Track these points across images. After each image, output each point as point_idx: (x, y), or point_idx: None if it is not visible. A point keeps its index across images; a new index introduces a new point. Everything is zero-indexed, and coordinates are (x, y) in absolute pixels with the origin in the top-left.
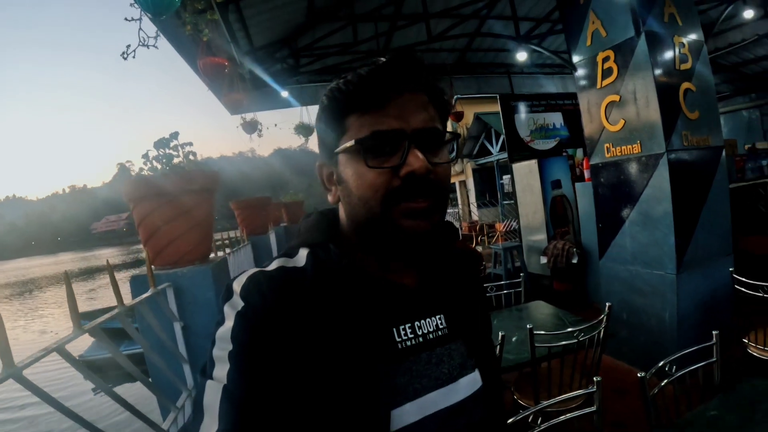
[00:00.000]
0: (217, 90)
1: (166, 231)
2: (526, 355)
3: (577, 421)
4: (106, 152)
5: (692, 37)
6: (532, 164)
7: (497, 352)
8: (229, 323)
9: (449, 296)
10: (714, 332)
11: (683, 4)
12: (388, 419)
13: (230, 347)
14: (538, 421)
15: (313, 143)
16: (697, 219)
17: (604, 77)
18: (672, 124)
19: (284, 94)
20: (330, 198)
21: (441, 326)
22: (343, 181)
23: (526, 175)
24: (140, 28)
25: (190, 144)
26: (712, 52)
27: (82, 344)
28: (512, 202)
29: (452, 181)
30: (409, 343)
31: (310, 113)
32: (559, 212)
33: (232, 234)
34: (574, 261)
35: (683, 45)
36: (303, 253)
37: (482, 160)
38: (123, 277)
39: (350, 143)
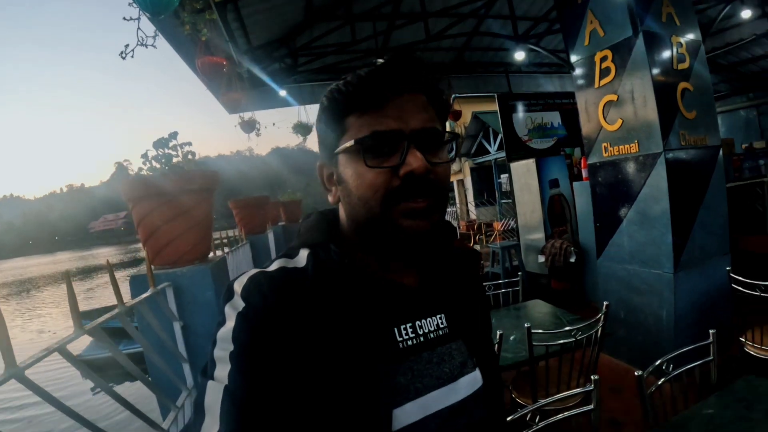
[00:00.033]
0: (216, 89)
1: (166, 231)
2: (524, 353)
3: (574, 419)
4: (103, 151)
5: (690, 36)
6: (530, 163)
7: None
8: (230, 324)
9: (450, 296)
10: (711, 331)
11: (681, 3)
12: (389, 419)
13: (231, 348)
14: (536, 420)
15: (311, 142)
16: (695, 218)
17: (601, 77)
18: (669, 123)
19: (282, 93)
20: (330, 198)
21: (442, 326)
22: (343, 181)
23: (524, 174)
24: (138, 28)
25: (189, 144)
26: (709, 52)
27: (80, 344)
28: (510, 201)
29: (450, 180)
30: (410, 342)
31: (308, 112)
32: (556, 211)
33: (230, 233)
34: (572, 260)
35: (681, 45)
36: (303, 254)
37: (480, 159)
38: (121, 277)
39: (350, 143)
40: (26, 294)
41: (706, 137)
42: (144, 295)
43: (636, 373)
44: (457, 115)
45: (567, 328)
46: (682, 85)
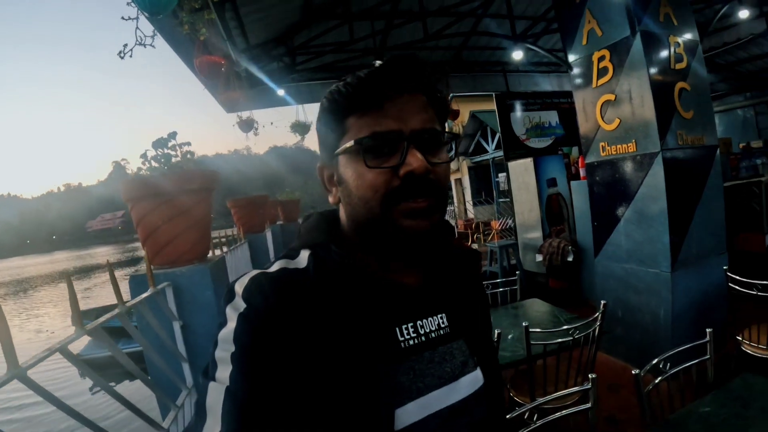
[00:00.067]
0: (214, 88)
1: (165, 230)
2: (522, 352)
3: (572, 417)
4: (101, 150)
5: (687, 36)
6: (528, 162)
7: None
8: (231, 325)
9: (450, 295)
10: (708, 330)
11: (679, 3)
12: (392, 418)
13: (233, 349)
14: (534, 418)
15: (309, 141)
16: (692, 217)
17: (599, 76)
18: (667, 123)
19: (280, 92)
20: (330, 199)
21: (443, 325)
22: (343, 182)
23: (521, 173)
24: (137, 27)
25: (188, 144)
26: (707, 51)
27: (78, 343)
28: (508, 199)
29: None
30: (411, 342)
31: (306, 111)
32: (554, 210)
33: (228, 232)
34: (570, 259)
35: (678, 44)
36: (304, 255)
37: (478, 158)
38: (119, 276)
39: (350, 144)
40: (23, 294)
41: (703, 137)
42: (144, 295)
43: (633, 372)
44: (455, 114)
45: (565, 327)
46: (680, 84)
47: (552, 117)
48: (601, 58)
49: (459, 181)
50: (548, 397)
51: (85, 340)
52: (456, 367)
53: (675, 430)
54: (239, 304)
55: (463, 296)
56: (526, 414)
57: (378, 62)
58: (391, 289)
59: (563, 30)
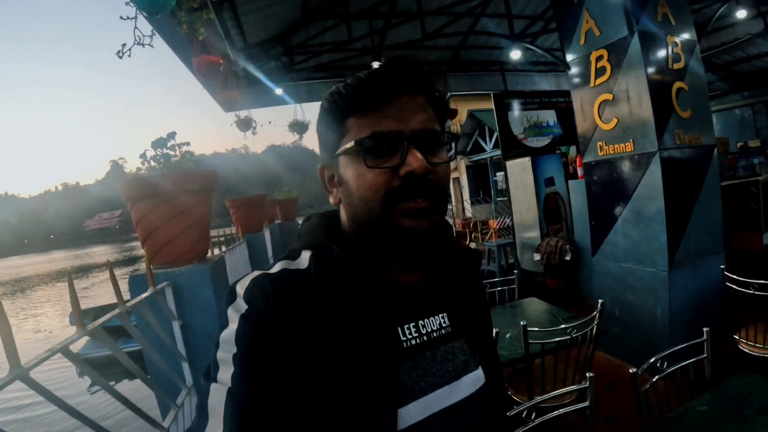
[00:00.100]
0: (212, 88)
1: (164, 230)
2: (520, 351)
3: (570, 416)
4: (99, 149)
5: (685, 36)
6: (526, 162)
7: None
8: (233, 326)
9: (451, 295)
10: (705, 329)
11: (676, 3)
12: (395, 418)
13: (234, 350)
14: (532, 416)
15: (307, 140)
16: (689, 217)
17: (597, 76)
18: (664, 122)
19: (278, 91)
20: (331, 200)
21: (444, 325)
22: (343, 182)
23: (519, 172)
24: (135, 27)
25: (188, 144)
26: (704, 51)
27: (76, 342)
28: (506, 198)
29: None
30: (413, 342)
31: (305, 110)
32: (552, 209)
33: (227, 231)
34: (568, 258)
35: (676, 44)
36: (305, 255)
37: (476, 157)
38: (117, 275)
39: (350, 144)
40: (21, 293)
41: (700, 136)
42: (144, 295)
43: (631, 371)
44: (453, 114)
45: (562, 326)
46: (677, 84)
47: (550, 116)
48: (599, 58)
49: (457, 180)
50: (546, 396)
51: (83, 339)
52: (457, 366)
53: (672, 428)
54: (241, 305)
55: (463, 296)
56: (524, 412)
57: (376, 63)
58: (392, 289)
59: (561, 29)
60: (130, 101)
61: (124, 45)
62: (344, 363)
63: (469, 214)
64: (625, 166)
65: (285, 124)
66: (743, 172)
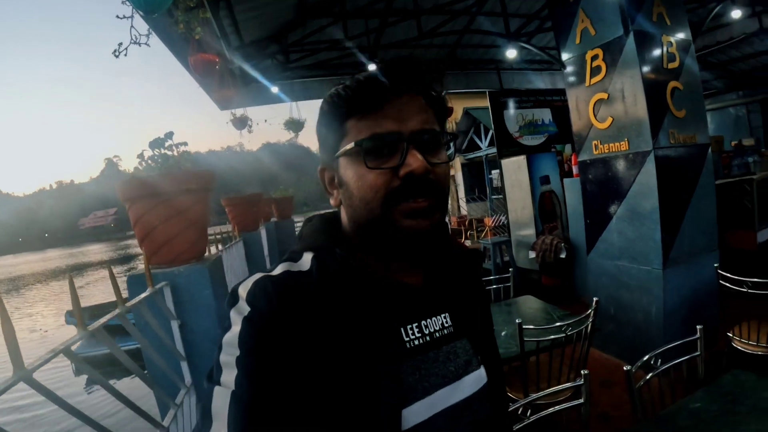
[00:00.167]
0: (208, 86)
1: (162, 230)
2: (516, 349)
3: (565, 413)
4: (93, 147)
5: (680, 36)
6: (521, 160)
7: None
8: (235, 328)
9: (453, 295)
10: (698, 327)
11: (672, 3)
12: (399, 419)
13: (237, 353)
14: (528, 414)
15: (302, 137)
16: (684, 215)
17: (592, 75)
18: (659, 121)
19: (274, 89)
20: (332, 201)
21: (446, 325)
22: (344, 184)
23: (515, 170)
24: (132, 26)
25: (185, 144)
26: (700, 50)
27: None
28: (501, 196)
29: None
30: (416, 342)
31: (300, 108)
32: (547, 208)
33: (221, 229)
34: (563, 256)
35: (671, 44)
36: (307, 257)
37: (471, 155)
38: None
39: (350, 145)
40: (16, 292)
41: (695, 135)
42: (143, 295)
43: (625, 368)
44: (449, 112)
45: (557, 324)
46: (672, 83)
47: (545, 114)
48: (594, 57)
49: (452, 177)
50: (541, 393)
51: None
52: (460, 366)
53: (665, 425)
54: (243, 307)
55: (465, 295)
56: (520, 410)
57: (373, 65)
58: (394, 290)
59: (557, 29)
60: (125, 99)
61: (120, 44)
62: (347, 364)
63: (464, 211)
64: (620, 165)
65: (281, 122)
66: (738, 171)
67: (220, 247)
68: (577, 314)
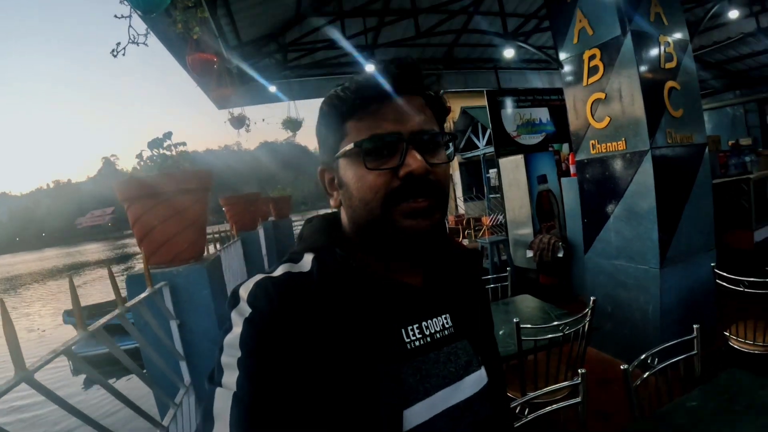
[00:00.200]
0: (206, 85)
1: (161, 230)
2: (513, 348)
3: (562, 411)
4: (90, 146)
5: (678, 36)
6: (519, 159)
7: None
8: (237, 330)
9: (454, 295)
10: (695, 326)
11: (669, 3)
12: (400, 420)
13: (239, 354)
14: (525, 412)
15: (300, 136)
16: (681, 215)
17: (590, 75)
18: (656, 121)
19: (272, 88)
20: (332, 202)
21: (447, 325)
22: (344, 185)
23: (512, 169)
24: (130, 26)
25: (184, 144)
26: (697, 50)
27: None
28: (498, 196)
29: None
30: (417, 343)
31: (298, 108)
32: (545, 207)
33: (218, 228)
34: (560, 255)
35: (669, 44)
36: (308, 258)
37: (469, 154)
38: (106, 274)
39: (349, 147)
40: (13, 292)
41: (692, 135)
42: (142, 295)
43: (622, 367)
44: (447, 112)
45: (555, 323)
46: (670, 83)
47: (543, 114)
48: (592, 57)
49: (450, 176)
50: (539, 392)
51: (73, 335)
52: (460, 367)
53: (662, 423)
54: (244, 309)
55: (465, 296)
56: (518, 408)
57: (371, 65)
58: (395, 291)
59: (554, 28)
60: (123, 98)
61: (118, 44)
62: (348, 365)
63: (462, 210)
64: (617, 165)
65: (278, 122)
66: (735, 170)
67: (218, 246)
68: (574, 313)
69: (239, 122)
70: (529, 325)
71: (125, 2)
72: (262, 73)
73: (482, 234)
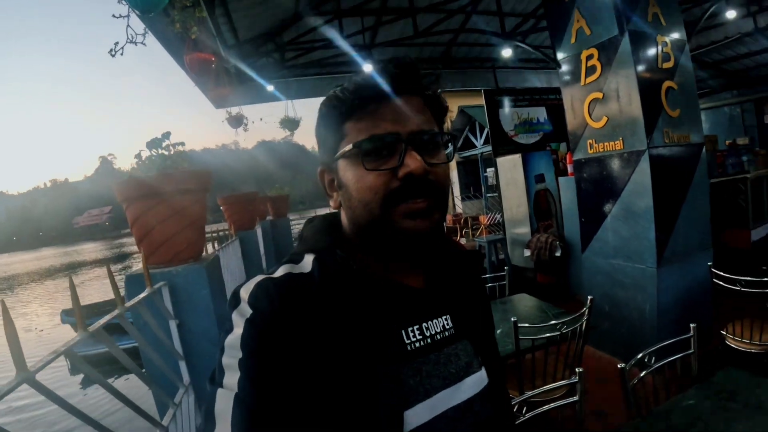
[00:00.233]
0: (203, 85)
1: (160, 230)
2: (511, 347)
3: (560, 410)
4: (87, 145)
5: (675, 36)
6: (516, 158)
7: None
8: (238, 331)
9: (454, 296)
10: (691, 325)
11: (667, 3)
12: (401, 421)
13: (240, 355)
14: (523, 411)
15: (298, 135)
16: (678, 214)
17: (587, 75)
18: (654, 121)
19: (270, 88)
20: (332, 203)
21: (447, 326)
22: (343, 186)
23: (510, 169)
24: (128, 25)
25: (182, 144)
26: (694, 50)
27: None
28: (496, 195)
29: None
30: (418, 344)
31: (296, 107)
32: (542, 206)
33: (216, 227)
34: (558, 254)
35: (666, 44)
36: (308, 259)
37: (466, 153)
38: (103, 273)
39: (348, 147)
40: (10, 291)
41: (689, 135)
42: (142, 295)
43: (619, 366)
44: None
45: (552, 322)
46: (667, 83)
47: (540, 113)
48: (590, 57)
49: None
50: (536, 391)
51: (73, 335)
52: (460, 368)
53: (660, 422)
54: (245, 309)
55: (465, 297)
56: (515, 407)
57: (369, 66)
58: (395, 292)
59: (552, 28)
60: (121, 97)
61: (116, 43)
62: (349, 366)
63: (459, 209)
64: (615, 164)
65: (276, 121)
66: (732, 170)
67: (216, 245)
68: (571, 312)
69: (237, 121)
70: (526, 324)
71: (123, 2)
72: (260, 72)
73: (480, 233)
